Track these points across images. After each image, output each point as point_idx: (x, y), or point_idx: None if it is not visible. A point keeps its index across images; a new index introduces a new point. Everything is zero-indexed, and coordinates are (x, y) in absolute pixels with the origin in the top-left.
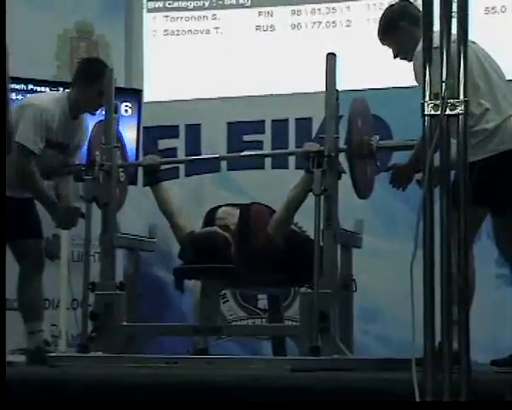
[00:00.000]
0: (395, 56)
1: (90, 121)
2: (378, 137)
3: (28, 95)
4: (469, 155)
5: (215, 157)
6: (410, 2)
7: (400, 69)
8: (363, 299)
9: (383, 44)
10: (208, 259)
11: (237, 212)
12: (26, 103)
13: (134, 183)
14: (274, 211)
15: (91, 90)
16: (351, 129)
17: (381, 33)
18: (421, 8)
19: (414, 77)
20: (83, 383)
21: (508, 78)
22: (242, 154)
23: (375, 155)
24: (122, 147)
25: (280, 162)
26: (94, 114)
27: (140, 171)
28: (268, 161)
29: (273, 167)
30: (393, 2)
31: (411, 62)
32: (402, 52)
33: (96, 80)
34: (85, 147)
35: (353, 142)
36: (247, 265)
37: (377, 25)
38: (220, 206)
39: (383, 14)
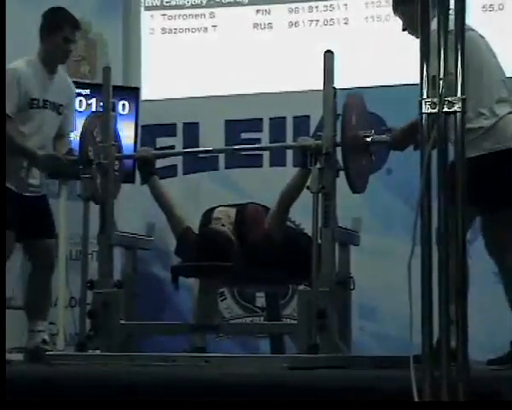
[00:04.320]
0: (403, 29)
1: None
2: (373, 132)
3: None
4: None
5: (207, 149)
6: None
7: (398, 67)
8: (361, 297)
9: (395, 14)
10: (210, 257)
11: (233, 212)
12: None
13: (132, 181)
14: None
15: (56, 38)
16: (345, 123)
17: (395, 2)
18: None
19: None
20: (81, 382)
21: (505, 75)
22: (237, 147)
23: (370, 150)
24: (117, 141)
25: (278, 160)
26: (64, 63)
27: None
28: (266, 159)
29: (271, 165)
30: None
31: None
32: (411, 26)
33: (59, 28)
34: (77, 140)
35: (347, 136)
36: (245, 263)
37: (375, 23)
38: (216, 206)
39: None
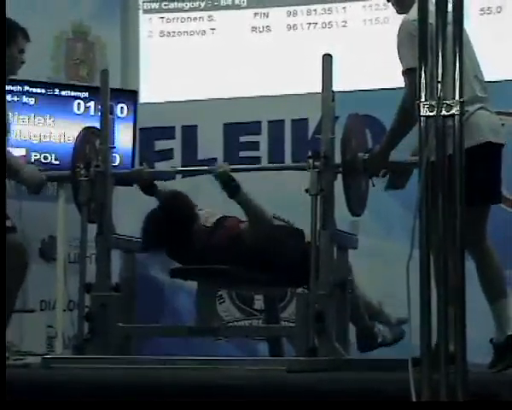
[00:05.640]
0: (388, 0)
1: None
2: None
3: None
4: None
5: (204, 169)
6: None
7: (396, 70)
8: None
9: None
10: (173, 219)
11: (217, 214)
12: None
13: (129, 184)
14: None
15: (12, 51)
16: (345, 146)
17: None
18: None
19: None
20: (79, 385)
21: (503, 78)
22: (236, 167)
23: (368, 172)
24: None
25: (276, 162)
26: (16, 74)
27: None
28: (264, 160)
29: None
30: None
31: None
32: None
33: (14, 39)
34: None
35: (347, 159)
36: (242, 265)
37: (373, 25)
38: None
39: None
